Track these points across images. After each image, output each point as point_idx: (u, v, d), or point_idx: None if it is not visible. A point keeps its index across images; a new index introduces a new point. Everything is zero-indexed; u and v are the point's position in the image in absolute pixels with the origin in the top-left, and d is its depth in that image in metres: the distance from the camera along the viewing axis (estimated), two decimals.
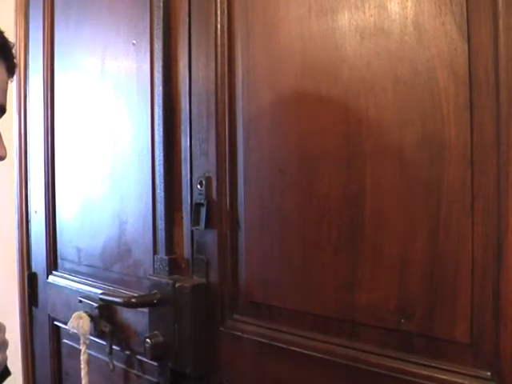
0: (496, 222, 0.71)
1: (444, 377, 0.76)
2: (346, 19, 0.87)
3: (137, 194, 1.30)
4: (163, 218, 1.20)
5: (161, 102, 1.20)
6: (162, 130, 1.20)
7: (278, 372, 0.97)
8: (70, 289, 1.51)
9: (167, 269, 1.18)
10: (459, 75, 0.74)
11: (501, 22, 0.70)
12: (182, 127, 1.17)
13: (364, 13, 0.84)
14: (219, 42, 1.08)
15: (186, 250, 1.16)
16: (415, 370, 0.78)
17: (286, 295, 0.97)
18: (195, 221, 1.12)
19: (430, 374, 0.77)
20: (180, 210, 1.18)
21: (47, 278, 1.64)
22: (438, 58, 0.76)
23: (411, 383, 0.79)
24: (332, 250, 0.89)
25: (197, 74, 1.12)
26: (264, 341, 0.99)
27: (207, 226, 1.09)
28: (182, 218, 1.17)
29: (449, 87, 0.75)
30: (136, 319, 1.28)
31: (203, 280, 1.11)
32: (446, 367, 0.76)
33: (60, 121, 1.59)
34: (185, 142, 1.16)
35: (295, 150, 0.95)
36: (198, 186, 1.11)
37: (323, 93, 0.90)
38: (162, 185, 1.20)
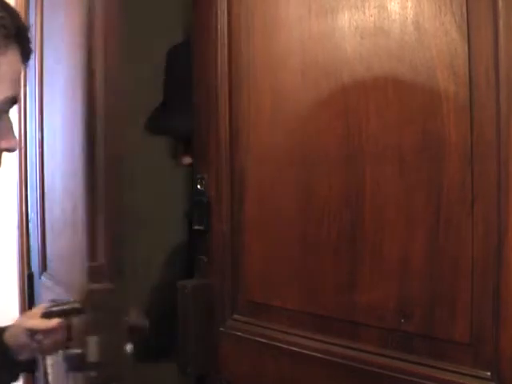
0: (496, 221, 0.71)
1: (444, 377, 0.75)
2: (345, 19, 0.87)
3: None
4: None
5: None
6: None
7: (278, 372, 0.97)
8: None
9: None
10: (459, 75, 0.74)
11: (501, 22, 0.69)
12: None
13: (364, 13, 0.84)
14: (219, 42, 1.08)
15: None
16: (415, 370, 0.78)
17: (286, 295, 0.97)
18: (195, 221, 1.12)
19: (430, 373, 0.77)
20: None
21: (40, 277, 1.63)
22: (438, 58, 0.76)
23: (411, 383, 0.79)
24: (332, 250, 0.89)
25: None
26: (264, 341, 0.99)
27: (207, 226, 1.09)
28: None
29: (449, 87, 0.75)
30: None
31: (203, 280, 1.11)
32: (445, 367, 0.76)
33: None
34: None
35: (295, 150, 0.95)
36: (198, 186, 1.11)
37: (323, 93, 0.90)
38: None
